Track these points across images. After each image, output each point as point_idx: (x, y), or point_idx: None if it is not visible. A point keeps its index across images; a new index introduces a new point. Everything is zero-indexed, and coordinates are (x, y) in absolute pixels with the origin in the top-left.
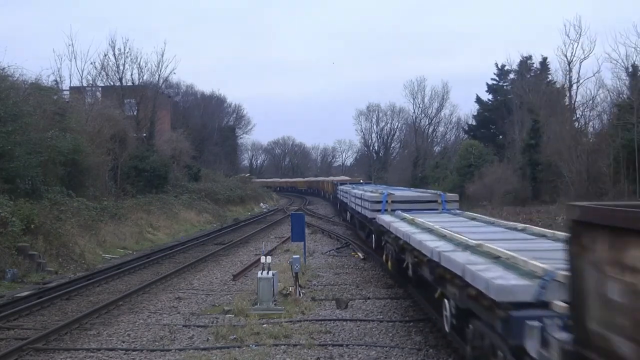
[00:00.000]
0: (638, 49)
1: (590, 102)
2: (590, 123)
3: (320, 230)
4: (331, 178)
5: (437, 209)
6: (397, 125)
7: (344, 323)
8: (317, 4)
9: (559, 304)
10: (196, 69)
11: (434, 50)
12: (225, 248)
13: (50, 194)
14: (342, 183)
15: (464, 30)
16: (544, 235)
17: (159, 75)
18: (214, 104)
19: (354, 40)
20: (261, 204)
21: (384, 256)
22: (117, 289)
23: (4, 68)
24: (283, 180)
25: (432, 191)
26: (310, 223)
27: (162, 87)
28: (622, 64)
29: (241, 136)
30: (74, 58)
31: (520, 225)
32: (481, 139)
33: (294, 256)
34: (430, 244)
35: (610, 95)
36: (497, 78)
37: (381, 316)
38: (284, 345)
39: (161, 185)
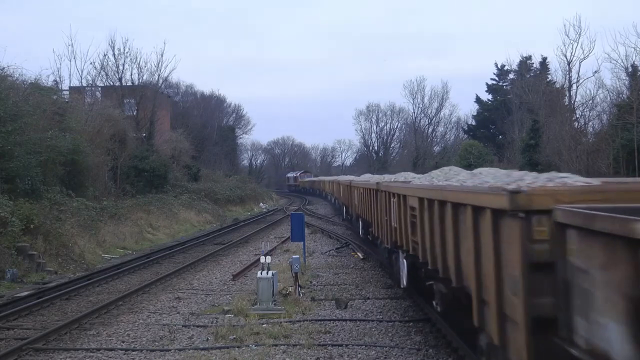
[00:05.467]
0: (638, 49)
1: (590, 102)
2: (590, 123)
3: (320, 230)
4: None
5: None
6: (397, 125)
7: (344, 323)
8: (317, 4)
9: None
10: (196, 69)
11: (434, 50)
12: (224, 248)
13: (49, 194)
14: None
15: (464, 30)
16: None
17: (159, 75)
18: (213, 104)
19: (354, 40)
20: (261, 204)
21: None
22: (116, 289)
23: (4, 68)
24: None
25: None
26: (310, 223)
27: (162, 87)
28: (622, 64)
29: (241, 136)
30: (74, 58)
31: None
32: (481, 139)
33: (294, 256)
34: None
35: (609, 95)
36: (496, 78)
37: (381, 316)
38: (284, 345)
39: (161, 185)
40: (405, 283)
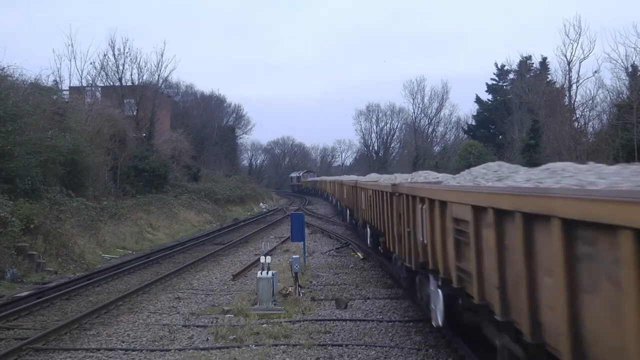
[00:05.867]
0: (638, 49)
1: (590, 102)
2: (590, 123)
3: (320, 230)
4: None
5: None
6: (397, 125)
7: (344, 323)
8: (317, 4)
9: None
10: (196, 69)
11: (434, 50)
12: (224, 248)
13: (49, 194)
14: None
15: (464, 30)
16: None
17: (159, 75)
18: (213, 104)
19: (354, 40)
20: (261, 204)
21: None
22: (116, 289)
23: (4, 68)
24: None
25: None
26: (310, 223)
27: (162, 87)
28: (622, 64)
29: (241, 136)
30: (74, 58)
31: None
32: (481, 139)
33: (294, 256)
34: None
35: (609, 95)
36: (496, 78)
37: (381, 316)
38: (284, 345)
39: (161, 185)
40: (440, 322)
